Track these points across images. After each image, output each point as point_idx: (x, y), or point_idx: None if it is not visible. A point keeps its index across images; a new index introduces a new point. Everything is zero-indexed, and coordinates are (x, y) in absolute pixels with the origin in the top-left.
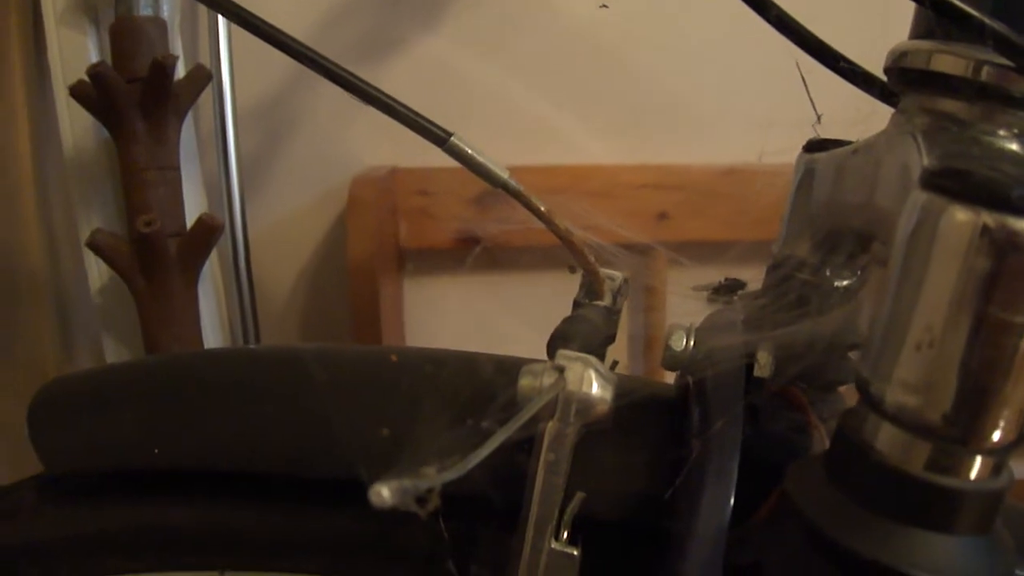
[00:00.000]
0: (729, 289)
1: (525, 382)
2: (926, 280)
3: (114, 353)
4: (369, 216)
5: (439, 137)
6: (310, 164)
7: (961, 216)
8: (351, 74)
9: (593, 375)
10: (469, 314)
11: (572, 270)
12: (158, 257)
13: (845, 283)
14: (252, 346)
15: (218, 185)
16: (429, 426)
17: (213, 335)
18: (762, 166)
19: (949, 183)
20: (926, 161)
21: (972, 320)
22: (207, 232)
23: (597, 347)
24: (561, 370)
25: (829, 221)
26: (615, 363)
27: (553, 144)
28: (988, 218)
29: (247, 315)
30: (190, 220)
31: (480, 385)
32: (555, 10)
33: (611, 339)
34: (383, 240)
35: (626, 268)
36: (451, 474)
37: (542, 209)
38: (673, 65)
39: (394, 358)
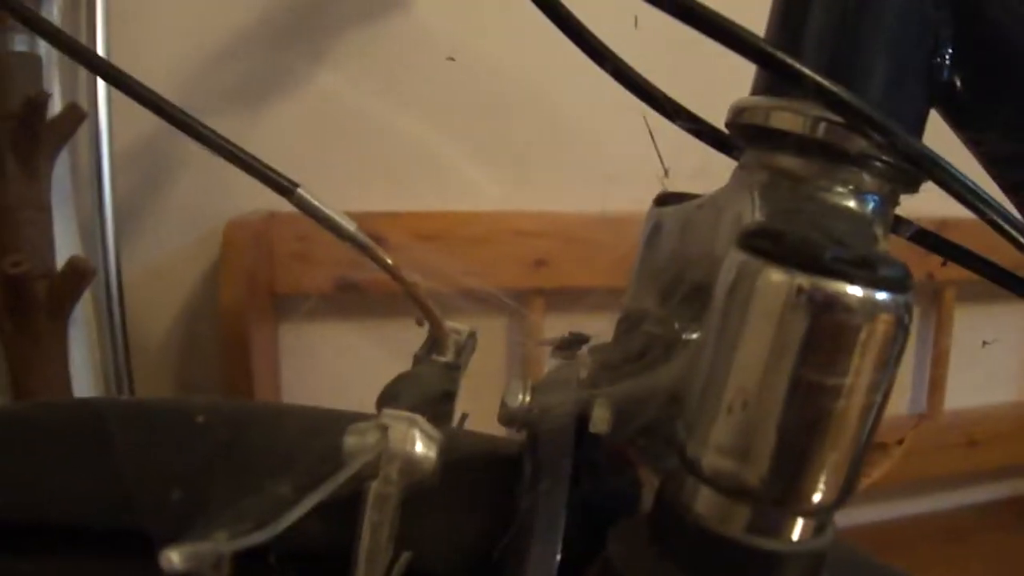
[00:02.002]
0: (572, 343)
1: (350, 440)
2: (741, 340)
3: None
4: (243, 261)
5: (285, 188)
6: (187, 207)
7: (775, 277)
8: (192, 118)
9: (417, 434)
10: (348, 362)
11: (420, 323)
12: (25, 299)
13: (694, 336)
14: (53, 400)
15: (92, 227)
16: (227, 490)
17: (85, 381)
18: (638, 213)
19: (763, 244)
20: (757, 216)
21: (787, 382)
22: (78, 275)
23: (430, 405)
24: (384, 429)
25: (675, 274)
26: (464, 417)
27: (432, 189)
28: (802, 280)
29: (120, 361)
30: (63, 262)
31: (290, 447)
32: (441, 52)
33: (450, 396)
34: (256, 286)
35: (502, 316)
36: (258, 537)
37: (388, 262)
38: (554, 112)
39: (200, 419)
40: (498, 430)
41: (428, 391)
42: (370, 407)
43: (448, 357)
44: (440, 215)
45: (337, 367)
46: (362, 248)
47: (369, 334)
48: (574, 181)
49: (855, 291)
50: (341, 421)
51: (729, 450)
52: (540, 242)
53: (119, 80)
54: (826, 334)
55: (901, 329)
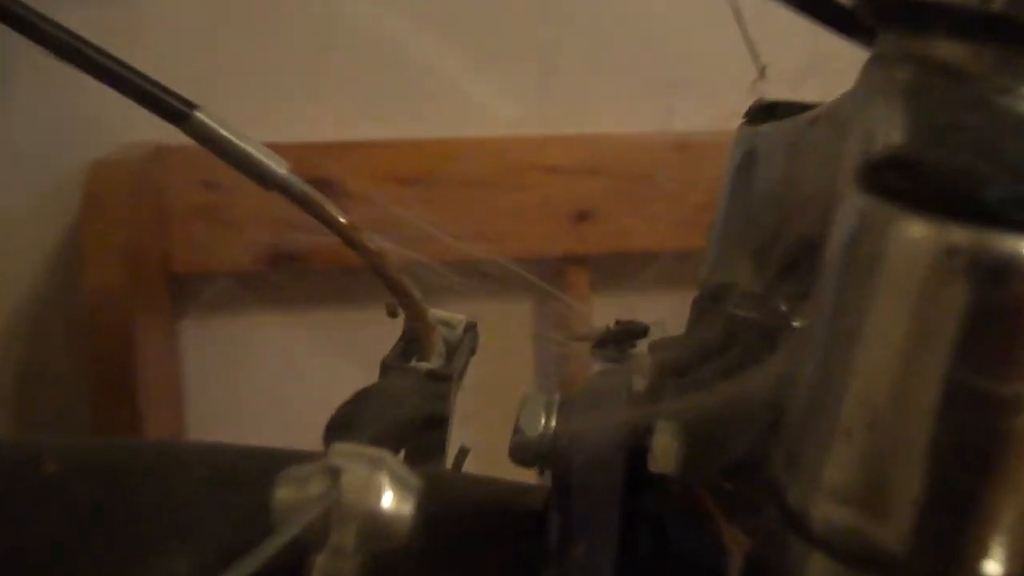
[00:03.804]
0: (622, 337)
1: (283, 493)
2: (864, 329)
3: None
4: (118, 222)
5: (177, 111)
6: (31, 142)
7: (914, 232)
8: (34, 12)
9: (385, 481)
10: (280, 371)
11: (392, 312)
12: None
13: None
14: None
15: None
16: (97, 570)
17: None
18: (720, 136)
19: (896, 180)
20: (896, 135)
21: (936, 392)
22: None
23: (406, 436)
24: (335, 474)
25: (777, 226)
26: (463, 453)
27: (412, 107)
28: (957, 235)
29: None
30: None
31: (191, 505)
32: None
33: (437, 421)
34: (141, 260)
35: (525, 298)
36: None
37: (341, 220)
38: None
39: (51, 468)
40: (513, 471)
41: (403, 415)
42: (313, 440)
43: (434, 362)
44: (425, 146)
45: (265, 379)
46: (299, 200)
47: (313, 330)
48: (624, 92)
49: None
50: (269, 464)
51: (851, 496)
52: (581, 183)
53: None
54: (996, 317)
55: None
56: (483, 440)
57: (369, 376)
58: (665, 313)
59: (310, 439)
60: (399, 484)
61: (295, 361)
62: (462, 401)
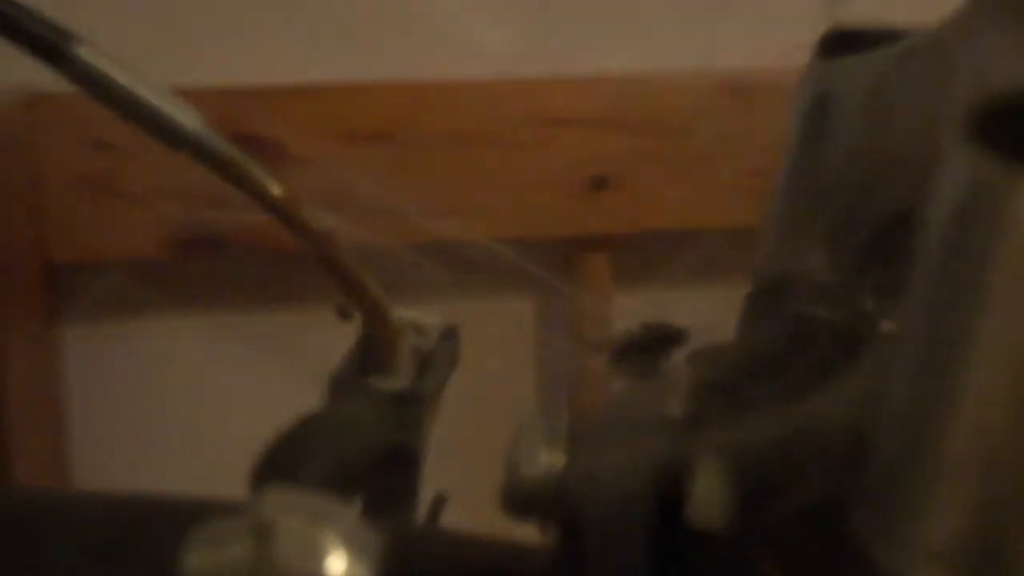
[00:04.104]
0: (650, 345)
1: (197, 558)
2: (979, 330)
3: None
4: None
5: (52, 45)
6: None
7: None
8: None
9: (332, 540)
10: (195, 389)
11: (344, 314)
12: None
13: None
14: None
15: None
16: None
17: None
18: (780, 75)
19: (1017, 131)
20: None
21: None
22: None
23: (360, 478)
24: (265, 531)
25: (861, 196)
26: (441, 500)
27: (374, 41)
28: None
29: None
30: None
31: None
32: None
33: (405, 458)
34: (11, 246)
35: (524, 295)
36: None
37: (275, 194)
38: None
39: None
40: (507, 523)
41: (359, 449)
42: (237, 483)
43: (400, 380)
44: (389, 92)
45: (173, 401)
46: (217, 165)
47: (237, 336)
48: (654, 18)
49: None
50: (178, 517)
51: (961, 557)
52: (597, 140)
53: None
54: None
55: None
56: (467, 482)
57: (313, 397)
58: (708, 312)
59: (233, 482)
60: (351, 544)
61: (213, 377)
62: (439, 430)
